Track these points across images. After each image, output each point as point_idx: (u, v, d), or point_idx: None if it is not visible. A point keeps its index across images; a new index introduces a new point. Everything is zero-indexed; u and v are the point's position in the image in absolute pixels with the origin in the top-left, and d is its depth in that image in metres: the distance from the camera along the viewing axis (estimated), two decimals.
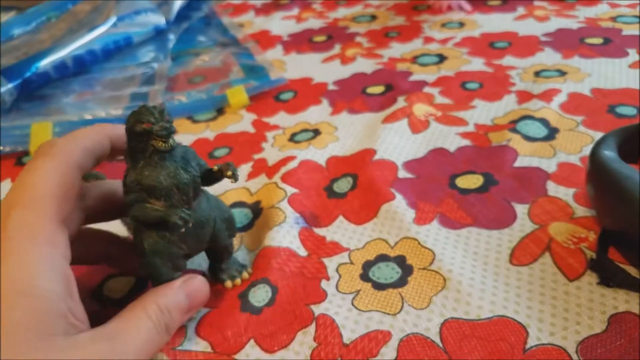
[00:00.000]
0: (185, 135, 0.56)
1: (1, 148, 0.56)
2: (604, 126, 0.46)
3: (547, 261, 0.34)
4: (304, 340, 0.31)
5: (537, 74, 0.57)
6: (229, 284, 0.34)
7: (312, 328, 0.31)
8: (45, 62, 0.66)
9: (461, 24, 0.73)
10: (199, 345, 0.31)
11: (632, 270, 0.32)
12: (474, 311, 0.31)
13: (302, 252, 0.38)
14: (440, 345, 0.29)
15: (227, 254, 0.34)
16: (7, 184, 0.52)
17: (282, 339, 0.31)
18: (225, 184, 0.47)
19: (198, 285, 0.31)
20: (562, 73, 0.56)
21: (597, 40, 0.62)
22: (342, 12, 0.86)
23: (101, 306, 0.36)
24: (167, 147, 0.27)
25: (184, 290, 0.30)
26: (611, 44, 0.61)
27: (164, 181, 0.28)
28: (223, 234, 0.33)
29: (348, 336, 0.31)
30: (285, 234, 0.39)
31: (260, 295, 0.34)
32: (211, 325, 0.32)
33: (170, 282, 0.30)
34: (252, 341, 0.31)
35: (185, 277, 0.31)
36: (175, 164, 0.29)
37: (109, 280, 0.38)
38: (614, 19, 0.67)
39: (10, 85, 0.62)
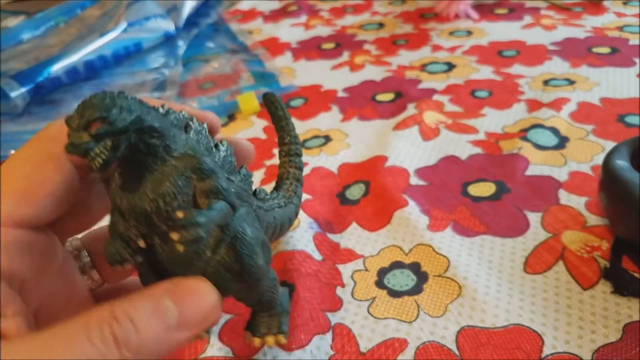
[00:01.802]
0: None
1: (13, 152, 0.57)
2: (614, 135, 0.46)
3: (561, 270, 0.34)
4: (321, 346, 0.31)
5: (546, 82, 0.57)
6: (248, 337, 0.28)
7: (329, 336, 0.32)
8: (57, 67, 0.67)
9: (469, 32, 0.74)
10: (222, 351, 0.32)
11: None
12: (490, 319, 0.31)
13: (317, 255, 0.38)
14: (457, 353, 0.30)
15: (259, 306, 0.27)
16: None
17: (300, 338, 0.31)
18: None
19: (199, 298, 0.22)
20: (571, 82, 0.56)
21: (605, 50, 0.62)
22: (349, 19, 0.87)
23: None
24: (93, 166, 0.19)
25: (170, 298, 0.20)
26: (618, 53, 0.61)
27: (120, 201, 0.21)
28: (223, 279, 0.23)
29: (365, 345, 0.31)
30: (300, 238, 0.39)
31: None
32: (233, 331, 0.33)
33: (152, 285, 0.21)
34: None
35: (179, 281, 0.21)
36: (145, 185, 0.21)
37: None
38: (620, 28, 0.68)
39: (23, 90, 0.63)
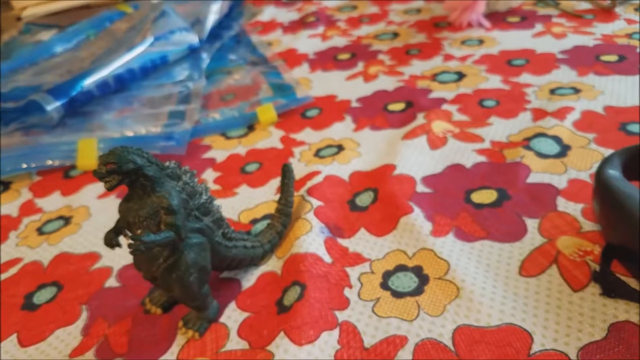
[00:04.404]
0: (219, 151, 0.60)
1: (51, 162, 0.61)
2: (614, 144, 0.48)
3: (554, 273, 0.36)
4: (329, 340, 0.34)
5: (552, 91, 0.59)
6: (180, 323, 0.38)
7: (336, 332, 0.35)
8: (89, 82, 0.71)
9: (480, 41, 0.76)
10: (240, 344, 0.35)
11: (633, 283, 0.34)
12: (484, 319, 0.34)
13: (327, 258, 0.41)
14: (453, 349, 0.32)
15: (194, 308, 0.37)
16: (56, 196, 0.57)
17: (309, 334, 0.34)
18: (257, 197, 0.50)
19: None
20: (577, 91, 0.58)
21: (612, 58, 0.64)
22: (365, 29, 0.89)
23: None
24: (105, 186, 0.31)
25: None
26: (625, 61, 0.63)
27: (120, 208, 0.34)
28: (167, 280, 0.35)
29: (368, 341, 0.34)
30: (312, 242, 0.42)
31: (291, 296, 0.38)
32: (251, 327, 0.36)
33: None
34: (282, 333, 0.35)
35: None
36: (134, 204, 0.33)
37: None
38: (629, 35, 0.69)
39: (57, 104, 0.67)
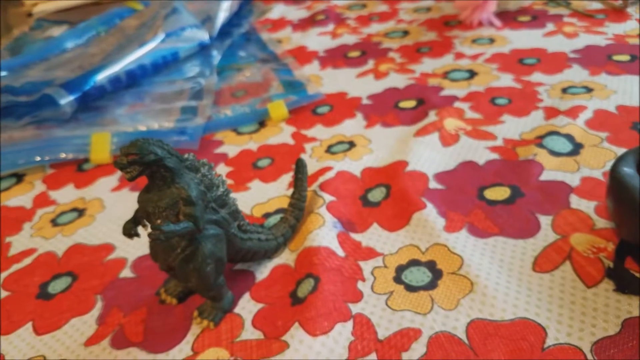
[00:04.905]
0: (231, 146, 0.61)
1: (64, 155, 0.62)
2: (627, 142, 0.48)
3: (567, 269, 0.36)
4: (343, 332, 0.34)
5: (564, 90, 0.59)
6: (195, 313, 0.38)
7: (349, 324, 0.35)
8: (101, 77, 0.72)
9: (491, 40, 0.76)
10: (254, 334, 0.36)
11: None
12: (498, 313, 0.34)
13: (340, 252, 0.41)
14: (467, 342, 0.33)
15: (209, 298, 0.37)
16: (70, 188, 0.58)
17: (324, 325, 0.35)
18: (269, 192, 0.51)
19: None
20: (589, 90, 0.58)
21: (624, 57, 0.64)
22: (375, 27, 0.90)
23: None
24: (126, 177, 0.32)
25: None
26: (637, 61, 0.62)
27: (140, 199, 0.34)
28: (184, 270, 0.35)
29: (382, 333, 0.34)
30: (325, 236, 0.42)
31: (305, 288, 0.38)
32: (265, 318, 0.37)
33: None
34: (297, 324, 0.35)
35: None
36: (153, 195, 0.33)
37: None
38: None
39: (71, 98, 0.68)
